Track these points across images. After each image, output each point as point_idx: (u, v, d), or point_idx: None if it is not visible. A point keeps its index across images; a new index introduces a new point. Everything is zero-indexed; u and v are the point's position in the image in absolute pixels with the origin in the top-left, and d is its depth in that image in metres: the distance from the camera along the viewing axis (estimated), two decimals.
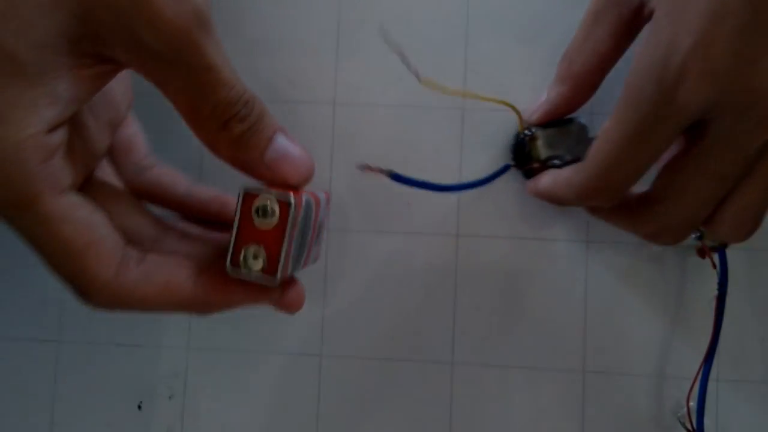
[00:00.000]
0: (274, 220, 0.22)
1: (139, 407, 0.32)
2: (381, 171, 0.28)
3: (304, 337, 0.32)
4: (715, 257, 0.29)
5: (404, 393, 0.31)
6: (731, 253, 0.30)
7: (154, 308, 0.22)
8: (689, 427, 0.29)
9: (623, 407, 0.31)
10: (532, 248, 0.32)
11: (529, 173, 0.31)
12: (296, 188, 0.23)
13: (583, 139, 0.30)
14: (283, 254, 0.22)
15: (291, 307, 0.24)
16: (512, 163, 0.31)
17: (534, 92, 0.31)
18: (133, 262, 0.21)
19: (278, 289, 0.24)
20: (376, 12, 0.32)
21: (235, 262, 0.22)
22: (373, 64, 0.32)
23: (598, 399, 0.31)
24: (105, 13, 0.18)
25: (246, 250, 0.22)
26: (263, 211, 0.22)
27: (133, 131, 0.26)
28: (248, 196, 0.22)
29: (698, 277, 0.31)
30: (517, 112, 0.29)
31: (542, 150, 0.30)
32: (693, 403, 0.29)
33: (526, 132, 0.30)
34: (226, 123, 0.20)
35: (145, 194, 0.25)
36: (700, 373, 0.28)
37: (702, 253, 0.29)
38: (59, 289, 0.32)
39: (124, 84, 0.24)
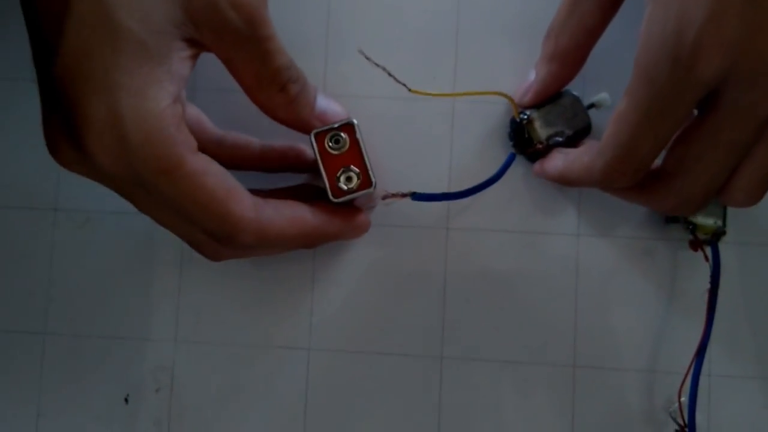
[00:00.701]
0: (347, 143, 0.27)
1: (126, 400, 0.32)
2: (403, 195, 0.28)
3: (293, 330, 0.32)
4: (708, 250, 0.29)
5: (393, 387, 0.31)
6: (724, 246, 0.30)
7: (286, 241, 0.26)
8: (681, 423, 0.29)
9: (614, 402, 0.31)
10: (523, 241, 0.32)
11: (534, 156, 0.31)
12: None
13: (579, 110, 0.30)
14: (367, 162, 0.27)
15: (364, 226, 0.30)
16: (516, 151, 0.31)
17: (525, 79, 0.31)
18: (263, 203, 0.25)
19: (362, 212, 0.29)
20: (366, 4, 0.32)
21: (336, 193, 0.27)
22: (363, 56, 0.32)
23: (589, 394, 0.31)
24: (201, 3, 0.22)
25: (339, 177, 0.27)
26: (336, 140, 0.27)
27: (196, 109, 0.29)
28: (319, 136, 0.27)
29: (690, 270, 0.31)
30: (510, 99, 0.29)
31: (542, 130, 0.30)
32: (685, 399, 0.29)
33: (522, 116, 0.30)
34: (284, 86, 0.25)
35: (228, 162, 0.27)
36: (692, 368, 0.28)
37: (694, 246, 0.29)
38: (45, 281, 0.32)
39: None
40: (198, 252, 0.26)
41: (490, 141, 0.32)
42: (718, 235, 0.29)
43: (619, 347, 0.31)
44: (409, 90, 0.28)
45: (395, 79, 0.28)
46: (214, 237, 0.24)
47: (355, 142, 0.27)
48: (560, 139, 0.30)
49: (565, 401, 0.31)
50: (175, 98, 0.22)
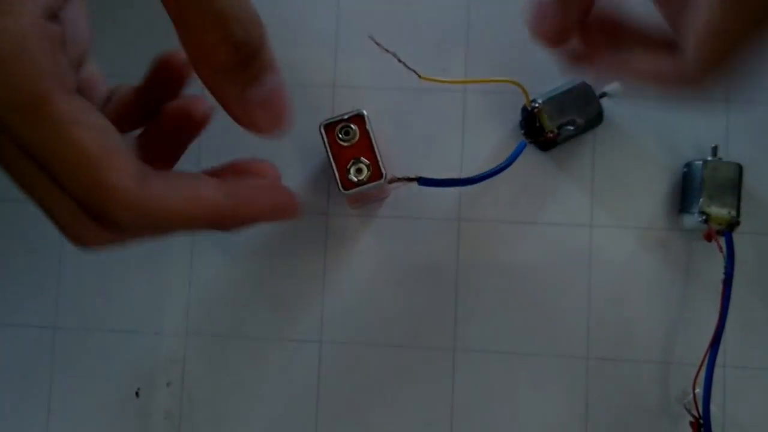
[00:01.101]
0: (357, 134, 0.27)
1: (137, 394, 0.32)
2: (409, 179, 0.28)
3: (304, 323, 0.32)
4: (722, 241, 0.29)
5: (405, 379, 0.31)
6: (738, 237, 0.30)
7: (183, 223, 0.20)
8: (695, 414, 0.29)
9: (628, 394, 0.31)
10: (535, 233, 0.31)
11: (545, 144, 0.31)
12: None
13: (591, 99, 0.30)
14: (378, 154, 0.26)
15: (291, 209, 0.23)
16: (528, 140, 0.31)
17: (535, 72, 0.31)
18: (153, 175, 0.19)
19: (290, 192, 0.23)
20: None
21: (346, 185, 0.27)
22: (373, 47, 0.32)
23: (603, 385, 0.31)
24: None
25: (349, 169, 0.27)
26: (345, 132, 0.27)
27: (94, 67, 0.23)
28: (328, 127, 0.27)
29: (704, 261, 0.30)
30: (521, 88, 0.29)
31: (553, 119, 0.30)
32: (699, 390, 0.29)
33: (533, 104, 0.30)
34: (217, 43, 0.18)
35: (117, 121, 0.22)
36: (707, 359, 0.28)
37: (708, 236, 0.29)
38: (55, 276, 0.32)
39: (84, 20, 0.21)
40: (65, 233, 0.20)
41: (502, 130, 0.32)
42: (732, 225, 0.29)
43: (632, 339, 0.31)
44: (420, 77, 0.28)
45: (405, 65, 0.27)
46: (85, 211, 0.19)
47: (365, 134, 0.27)
48: (572, 127, 0.30)
49: (579, 393, 0.31)
50: (49, 13, 0.17)
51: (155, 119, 0.23)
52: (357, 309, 0.32)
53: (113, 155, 0.18)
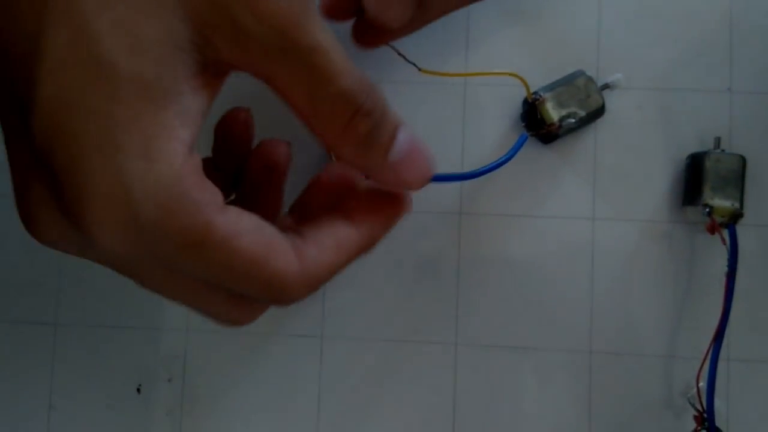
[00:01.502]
0: None
1: (138, 390, 0.32)
2: None
3: (305, 318, 0.32)
4: (725, 233, 0.29)
5: (407, 375, 0.31)
6: (741, 229, 0.30)
7: (340, 270, 0.21)
8: (699, 408, 0.29)
9: (631, 388, 0.31)
10: (537, 226, 0.31)
11: (547, 137, 0.31)
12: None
13: (592, 91, 0.30)
14: None
15: (408, 208, 0.23)
16: (529, 133, 0.31)
17: (534, 65, 0.31)
18: (300, 241, 0.20)
19: (404, 196, 0.23)
20: None
21: None
22: None
23: (606, 380, 0.31)
24: (207, 9, 0.17)
25: None
26: None
27: None
28: None
29: (708, 254, 0.30)
30: (522, 80, 0.29)
31: (554, 111, 0.30)
32: (703, 384, 0.29)
33: (535, 97, 0.30)
34: (351, 119, 0.19)
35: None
36: (710, 352, 0.28)
37: (712, 229, 0.29)
38: (55, 271, 0.32)
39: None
40: (219, 322, 0.21)
41: (503, 123, 0.32)
42: (735, 217, 0.29)
43: (636, 332, 0.31)
44: (419, 69, 0.27)
45: (405, 58, 0.27)
46: (255, 300, 0.20)
47: None
48: (573, 120, 0.30)
49: (582, 387, 0.31)
50: (192, 144, 0.18)
51: (244, 182, 0.24)
52: (358, 303, 0.32)
53: (274, 247, 0.19)
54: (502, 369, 0.31)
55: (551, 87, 0.30)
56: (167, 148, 0.17)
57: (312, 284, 0.20)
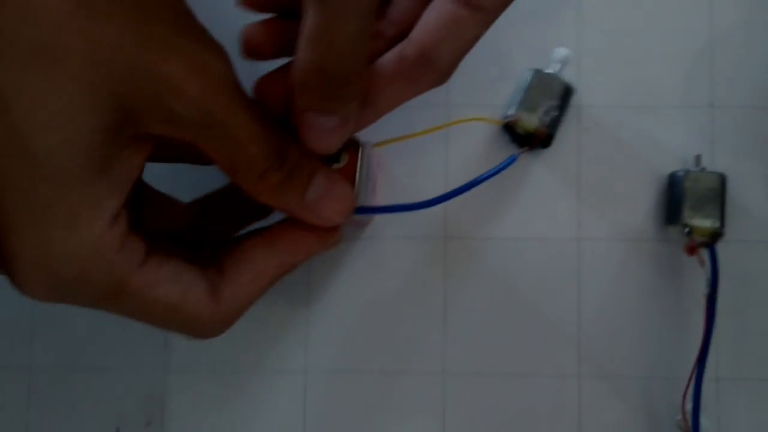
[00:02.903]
0: (345, 160, 0.26)
1: None
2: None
3: (287, 353, 0.32)
4: (705, 254, 0.29)
5: (395, 406, 0.32)
6: (726, 246, 0.30)
7: (262, 294, 0.25)
8: (686, 430, 0.29)
9: (621, 411, 0.31)
10: (523, 248, 0.32)
11: (546, 141, 0.31)
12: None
13: (548, 79, 0.30)
14: (358, 187, 0.26)
15: (335, 239, 0.26)
16: (520, 151, 0.31)
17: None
18: (218, 279, 0.24)
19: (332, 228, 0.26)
20: None
21: None
22: None
23: (595, 404, 0.31)
24: (137, 99, 0.19)
25: None
26: (336, 157, 0.26)
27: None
28: None
29: (695, 273, 0.31)
30: (485, 120, 0.30)
31: (532, 118, 0.30)
32: (689, 405, 0.29)
33: (507, 120, 0.31)
34: (263, 174, 0.22)
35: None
36: (694, 374, 0.29)
37: (691, 250, 0.29)
38: (29, 313, 0.32)
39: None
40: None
41: (489, 143, 0.32)
42: (715, 236, 0.29)
43: (624, 354, 0.31)
44: (374, 145, 0.28)
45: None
46: (184, 336, 0.24)
47: (352, 163, 0.26)
48: (554, 112, 0.30)
49: (572, 412, 0.31)
50: (117, 213, 0.21)
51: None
52: (342, 335, 0.32)
53: (189, 293, 0.23)
54: (492, 397, 0.31)
55: (514, 100, 0.31)
56: (90, 219, 0.20)
57: (227, 320, 0.24)
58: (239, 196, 0.25)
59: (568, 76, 0.31)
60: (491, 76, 0.32)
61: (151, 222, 0.26)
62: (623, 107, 0.32)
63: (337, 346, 0.32)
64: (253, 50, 0.26)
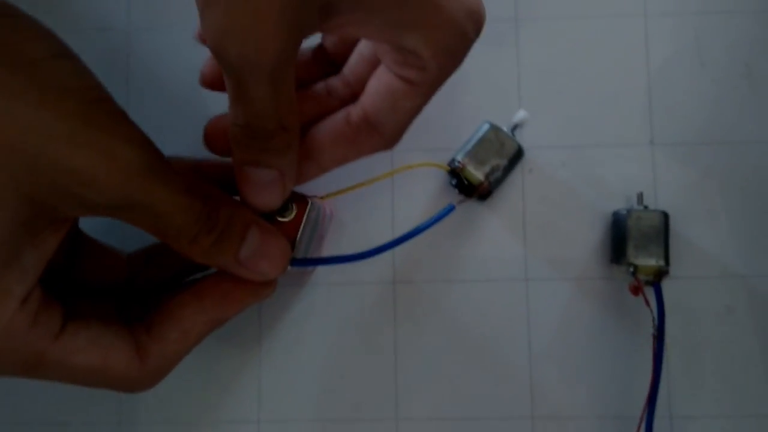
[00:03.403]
0: (292, 214, 0.26)
1: None
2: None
3: (240, 402, 0.32)
4: (651, 293, 0.29)
5: None
6: (671, 283, 0.31)
7: (193, 348, 0.25)
8: None
9: None
10: (470, 290, 0.32)
11: (484, 195, 0.32)
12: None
13: (504, 138, 0.31)
14: (299, 242, 0.26)
15: (266, 293, 0.27)
16: (459, 200, 0.31)
17: (459, 127, 0.32)
18: (145, 337, 0.24)
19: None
20: None
21: None
22: None
23: None
24: (48, 192, 0.20)
25: None
26: (283, 206, 0.26)
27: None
28: None
29: (643, 309, 0.31)
30: (432, 165, 0.31)
31: (477, 171, 0.31)
32: None
33: (454, 165, 0.31)
34: (194, 239, 0.23)
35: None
36: (645, 414, 0.29)
37: (635, 291, 0.29)
38: None
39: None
40: None
41: (434, 191, 0.33)
42: (660, 275, 0.30)
43: (576, 394, 0.31)
44: (322, 198, 0.29)
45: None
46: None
47: (299, 217, 0.26)
48: (498, 172, 0.31)
49: None
50: (28, 294, 0.22)
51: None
52: (294, 384, 0.32)
53: (112, 354, 0.23)
54: None
55: (465, 149, 0.31)
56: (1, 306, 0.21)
57: (155, 377, 0.25)
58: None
59: (518, 133, 0.32)
60: (429, 120, 0.33)
61: (90, 273, 0.27)
62: (564, 147, 0.33)
63: (290, 395, 0.32)
64: (214, 145, 0.27)
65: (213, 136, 0.27)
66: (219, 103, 0.25)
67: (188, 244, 0.23)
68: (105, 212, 0.22)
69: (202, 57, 0.27)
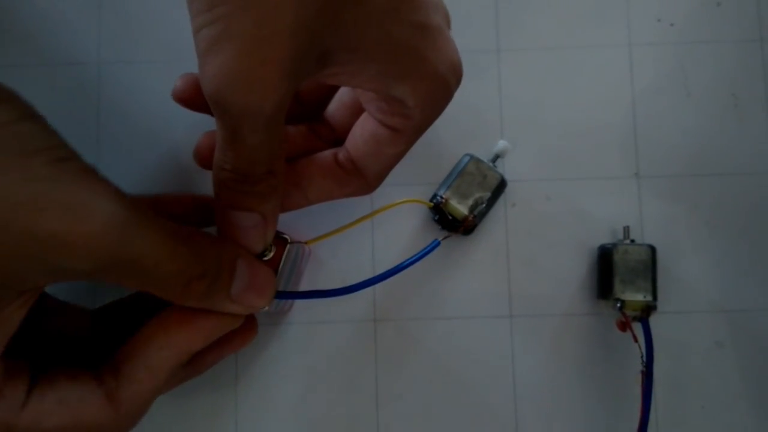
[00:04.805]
0: (271, 252, 0.26)
1: None
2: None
3: None
4: (639, 328, 0.29)
5: None
6: (659, 318, 0.31)
7: (163, 384, 0.25)
8: None
9: None
10: (453, 328, 0.32)
11: (468, 230, 0.32)
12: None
13: (485, 170, 0.31)
14: (278, 273, 0.26)
15: (249, 338, 0.29)
16: (444, 236, 0.31)
17: (443, 166, 0.32)
18: (114, 384, 0.24)
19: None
20: None
21: None
22: None
23: None
24: (18, 262, 0.19)
25: None
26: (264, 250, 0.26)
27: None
28: None
29: (631, 345, 0.31)
30: (419, 201, 0.31)
31: (461, 206, 0.31)
32: None
33: (436, 200, 0.31)
34: (186, 285, 0.23)
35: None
36: None
37: (622, 327, 0.29)
38: None
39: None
40: None
41: (415, 227, 0.33)
42: (648, 310, 0.30)
43: (562, 430, 0.31)
44: (306, 243, 0.29)
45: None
46: None
47: (278, 257, 0.27)
48: (483, 205, 0.31)
49: None
50: None
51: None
52: (274, 425, 0.32)
53: (82, 410, 0.23)
54: None
55: (447, 183, 0.31)
56: None
57: (131, 420, 0.24)
58: (144, 303, 0.26)
59: (500, 163, 0.32)
60: (409, 153, 0.33)
61: (54, 329, 0.27)
62: (549, 180, 0.33)
63: None
64: (203, 161, 0.28)
65: (205, 149, 0.27)
66: (189, 138, 0.25)
67: (181, 293, 0.23)
68: (84, 276, 0.21)
69: (170, 88, 0.27)
